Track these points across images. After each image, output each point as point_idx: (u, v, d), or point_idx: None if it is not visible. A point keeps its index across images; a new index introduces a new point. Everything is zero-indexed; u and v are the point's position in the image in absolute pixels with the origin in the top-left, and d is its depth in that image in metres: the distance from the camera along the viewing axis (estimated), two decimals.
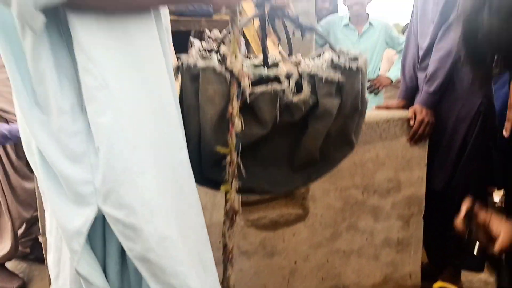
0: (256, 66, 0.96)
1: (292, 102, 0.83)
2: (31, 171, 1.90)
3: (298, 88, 0.86)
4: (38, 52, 0.65)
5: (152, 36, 0.72)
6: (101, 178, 0.67)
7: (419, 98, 1.71)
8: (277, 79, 0.87)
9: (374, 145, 1.68)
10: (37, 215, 1.99)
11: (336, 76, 0.85)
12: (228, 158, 0.82)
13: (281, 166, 0.90)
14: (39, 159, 0.70)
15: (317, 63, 0.91)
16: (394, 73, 2.78)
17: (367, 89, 2.71)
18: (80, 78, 0.66)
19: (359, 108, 0.93)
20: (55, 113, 0.68)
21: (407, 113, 1.71)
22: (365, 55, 2.54)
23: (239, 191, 0.87)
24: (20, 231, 2.07)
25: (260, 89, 0.83)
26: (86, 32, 0.64)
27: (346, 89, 0.86)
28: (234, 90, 0.81)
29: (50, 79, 0.66)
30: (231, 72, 0.81)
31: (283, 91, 0.83)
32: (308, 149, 0.88)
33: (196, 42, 2.30)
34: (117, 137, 0.67)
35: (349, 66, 0.85)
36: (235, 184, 0.83)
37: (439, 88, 1.62)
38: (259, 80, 0.88)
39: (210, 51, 0.94)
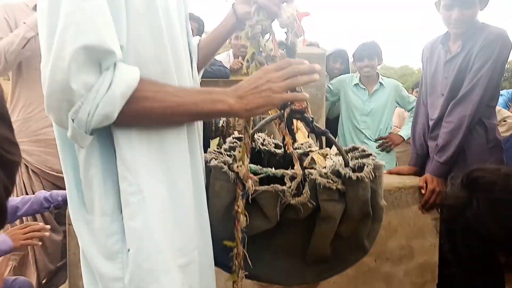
0: (271, 154, 1.00)
1: (291, 203, 0.85)
2: (60, 224, 1.96)
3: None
4: (89, 162, 0.75)
5: (183, 147, 0.81)
6: (130, 277, 0.73)
7: (430, 167, 1.73)
8: (282, 179, 0.90)
9: (386, 212, 1.67)
10: (61, 266, 2.01)
11: (335, 184, 0.85)
12: (235, 250, 0.86)
13: (294, 258, 0.91)
14: (81, 254, 0.79)
15: (332, 162, 0.93)
16: (406, 132, 2.82)
17: (379, 146, 2.77)
18: (119, 184, 0.74)
19: (370, 214, 0.92)
20: (98, 214, 0.76)
21: (418, 181, 1.73)
22: (375, 114, 2.61)
23: (247, 277, 0.89)
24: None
25: (262, 187, 0.86)
26: (127, 145, 0.73)
27: (350, 196, 0.87)
28: (239, 190, 0.86)
29: (96, 185, 0.75)
30: (237, 175, 0.86)
31: (283, 191, 0.86)
32: (317, 247, 0.90)
33: None
34: (145, 240, 0.73)
35: (349, 176, 0.85)
36: (242, 275, 0.86)
37: (450, 159, 1.65)
38: (267, 177, 0.93)
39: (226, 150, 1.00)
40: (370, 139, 2.79)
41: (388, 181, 1.75)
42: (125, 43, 0.70)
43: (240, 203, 0.85)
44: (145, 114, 0.72)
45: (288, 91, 0.80)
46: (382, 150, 2.78)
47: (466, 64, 1.63)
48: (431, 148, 1.78)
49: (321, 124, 2.78)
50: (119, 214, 0.75)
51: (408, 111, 2.90)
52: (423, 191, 1.69)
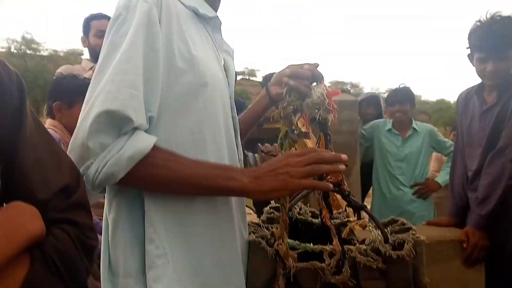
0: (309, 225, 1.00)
1: (331, 281, 0.84)
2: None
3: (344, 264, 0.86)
4: (116, 224, 0.79)
5: (212, 217, 0.83)
6: None
7: (471, 219, 1.67)
8: (321, 254, 0.89)
9: (427, 268, 1.62)
10: None
11: (376, 263, 0.84)
12: None
13: None
14: None
15: (372, 235, 0.92)
16: (443, 178, 2.73)
17: (415, 193, 2.69)
18: (146, 246, 0.76)
19: None
20: (122, 275, 0.77)
21: (459, 234, 1.66)
22: (410, 160, 2.55)
23: None
24: None
25: (301, 264, 0.86)
26: (157, 209, 0.77)
27: (391, 275, 0.85)
28: (280, 270, 0.85)
29: (122, 246, 0.78)
30: (277, 253, 0.86)
31: (323, 269, 0.84)
32: None
33: (249, 155, 2.38)
34: None
35: (390, 254, 0.84)
36: None
37: (492, 212, 1.59)
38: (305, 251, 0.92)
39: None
40: (406, 186, 2.72)
41: (428, 233, 1.67)
42: (155, 115, 0.75)
43: (281, 282, 0.84)
44: (152, 180, 0.74)
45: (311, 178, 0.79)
46: (419, 197, 2.70)
47: (503, 115, 1.60)
48: (471, 199, 1.72)
49: (356, 170, 2.75)
50: (142, 276, 0.76)
51: (446, 156, 2.83)
52: (465, 245, 1.62)
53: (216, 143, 0.83)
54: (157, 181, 0.75)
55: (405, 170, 2.74)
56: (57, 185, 0.59)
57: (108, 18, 2.26)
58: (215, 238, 0.82)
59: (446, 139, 2.78)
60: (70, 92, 1.71)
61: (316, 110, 0.93)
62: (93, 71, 0.81)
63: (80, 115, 0.73)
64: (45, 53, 24.39)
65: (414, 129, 2.76)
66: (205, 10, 0.89)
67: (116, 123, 0.70)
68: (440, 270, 1.63)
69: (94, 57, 2.25)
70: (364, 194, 2.88)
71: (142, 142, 0.71)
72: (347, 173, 2.70)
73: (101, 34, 2.24)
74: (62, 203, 0.58)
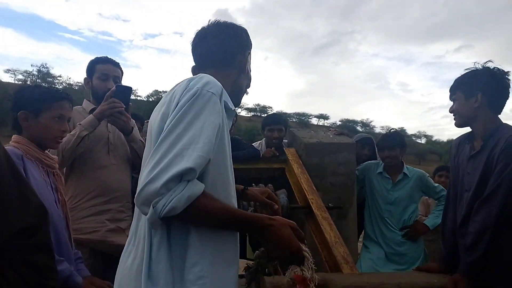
0: None
1: None
2: None
3: None
4: (159, 245, 0.95)
5: (234, 244, 1.05)
6: None
7: (460, 266, 1.61)
8: None
9: None
10: None
11: None
12: None
13: None
14: None
15: None
16: (432, 221, 2.69)
17: (404, 235, 2.62)
18: (190, 268, 0.94)
19: None
20: (162, 284, 0.93)
21: (447, 281, 1.60)
22: (399, 203, 2.51)
23: None
24: None
25: None
26: (201, 241, 0.96)
27: None
28: None
29: (164, 262, 0.94)
30: None
31: None
32: None
33: (244, 204, 2.34)
34: None
35: None
36: None
37: (479, 260, 1.53)
38: None
39: None
40: (395, 228, 2.67)
41: (415, 280, 1.63)
42: (212, 157, 0.96)
43: None
44: (201, 215, 0.93)
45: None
46: (408, 239, 2.64)
47: (490, 162, 1.59)
48: (460, 245, 1.67)
49: (353, 212, 2.70)
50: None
51: (435, 200, 2.79)
52: None
53: (225, 192, 1.04)
54: (204, 216, 0.94)
55: (393, 213, 2.69)
56: (19, 225, 0.56)
57: (113, 62, 2.24)
58: (235, 263, 1.04)
59: (436, 184, 2.75)
60: (35, 101, 1.58)
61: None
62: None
63: (155, 153, 0.92)
64: (60, 86, 24.82)
65: (405, 173, 2.73)
66: (231, 105, 1.10)
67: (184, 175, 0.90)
68: None
69: (96, 99, 2.19)
70: (359, 234, 2.81)
71: (197, 187, 0.92)
72: (344, 214, 2.65)
73: (104, 78, 2.19)
74: (22, 243, 0.56)
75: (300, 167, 2.58)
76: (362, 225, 2.85)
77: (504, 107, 1.70)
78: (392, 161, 2.72)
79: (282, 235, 0.96)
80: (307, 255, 0.98)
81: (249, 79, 1.29)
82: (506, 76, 1.68)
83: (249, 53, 1.27)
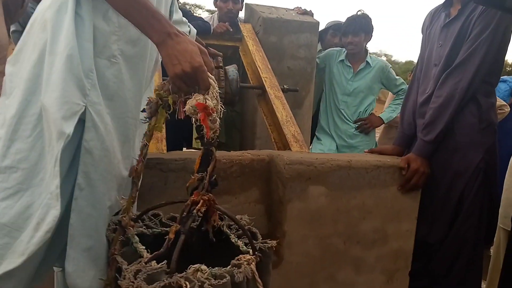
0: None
1: None
2: None
3: None
4: None
5: None
6: None
7: (415, 145, 1.48)
8: None
9: (361, 192, 1.44)
10: None
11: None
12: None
13: None
14: None
15: None
16: (386, 115, 2.58)
17: (358, 128, 2.51)
18: None
19: None
20: None
21: (400, 161, 1.47)
22: (357, 95, 2.33)
23: None
24: None
25: None
26: None
27: None
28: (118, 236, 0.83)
29: None
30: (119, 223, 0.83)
31: None
32: None
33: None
34: None
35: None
36: None
37: (436, 138, 1.40)
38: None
39: None
40: (349, 120, 2.52)
41: (366, 158, 1.49)
42: None
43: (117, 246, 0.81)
44: None
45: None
46: (361, 132, 2.53)
47: (465, 30, 1.36)
48: (418, 126, 1.52)
49: (309, 101, 2.49)
50: None
51: (394, 94, 2.64)
52: (403, 172, 1.44)
53: None
54: None
55: (350, 104, 2.52)
56: None
57: None
58: None
59: (398, 77, 2.57)
60: None
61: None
62: None
63: None
64: None
65: (368, 62, 2.51)
66: None
67: None
68: (374, 196, 1.46)
69: None
70: (314, 127, 2.66)
71: None
72: (299, 101, 2.44)
73: None
74: None
75: (255, 44, 2.26)
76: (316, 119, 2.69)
77: None
78: (355, 48, 2.46)
79: (185, 48, 0.79)
80: (213, 82, 0.80)
81: None
82: None
83: None
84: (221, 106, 0.81)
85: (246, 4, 2.66)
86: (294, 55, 2.42)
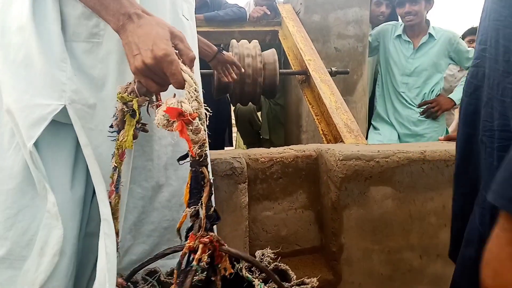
0: None
1: None
2: None
3: None
4: None
5: None
6: None
7: None
8: None
9: (440, 191, 1.10)
10: None
11: None
12: None
13: None
14: None
15: None
16: (459, 94, 2.14)
17: (423, 113, 2.12)
18: None
19: None
20: None
21: None
22: (420, 74, 1.93)
23: None
24: None
25: None
26: None
27: None
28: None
29: None
30: None
31: None
32: None
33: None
34: None
35: None
36: None
37: None
38: None
39: None
40: (412, 105, 2.14)
41: (445, 148, 1.15)
42: None
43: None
44: None
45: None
46: (427, 117, 2.13)
47: None
48: None
49: (363, 86, 2.16)
50: None
51: (466, 69, 2.21)
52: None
53: None
54: None
55: (412, 86, 2.14)
56: None
57: None
58: None
59: (469, 48, 2.13)
60: None
61: None
62: None
63: None
64: None
65: (430, 35, 2.10)
66: None
67: None
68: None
69: None
70: (370, 115, 2.31)
71: None
72: (351, 86, 2.11)
73: None
74: None
75: (296, 24, 1.97)
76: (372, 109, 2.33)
77: None
78: (415, 18, 2.07)
79: (146, 32, 0.56)
80: (189, 78, 0.55)
81: None
82: None
83: None
84: (206, 109, 0.55)
85: None
86: (342, 34, 2.09)
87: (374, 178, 1.07)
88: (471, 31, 2.54)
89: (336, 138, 1.38)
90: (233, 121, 2.65)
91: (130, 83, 0.58)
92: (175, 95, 0.55)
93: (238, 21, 2.15)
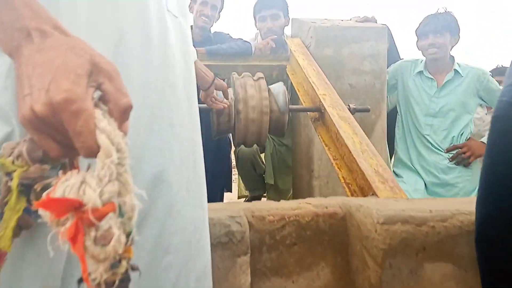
0: None
1: None
2: None
3: None
4: None
5: None
6: None
7: None
8: None
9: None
10: None
11: None
12: None
13: None
14: None
15: None
16: None
17: (453, 159, 1.83)
18: None
19: None
20: None
21: None
22: (446, 115, 1.56)
23: None
24: None
25: None
26: None
27: None
28: None
29: None
30: None
31: None
32: None
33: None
34: None
35: None
36: None
37: None
38: None
39: None
40: (439, 149, 1.86)
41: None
42: None
43: None
44: None
45: None
46: (458, 164, 1.84)
47: None
48: None
49: (381, 126, 1.90)
50: None
51: None
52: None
53: None
54: None
55: (438, 128, 1.87)
56: None
57: None
58: None
59: (501, 87, 1.88)
60: None
61: None
62: None
63: None
64: None
65: (456, 71, 1.87)
66: None
67: None
68: None
69: None
70: (391, 156, 2.03)
71: None
72: (369, 127, 1.85)
73: None
74: None
75: (306, 57, 1.74)
76: (391, 148, 2.06)
77: None
78: (439, 51, 1.84)
79: (48, 60, 0.32)
80: (107, 143, 0.30)
81: None
82: None
83: None
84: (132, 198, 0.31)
85: (293, 19, 2.19)
86: (357, 69, 1.86)
87: (429, 251, 0.75)
88: (500, 71, 2.31)
89: (363, 189, 1.08)
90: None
91: (19, 141, 0.32)
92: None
93: (243, 55, 1.93)
